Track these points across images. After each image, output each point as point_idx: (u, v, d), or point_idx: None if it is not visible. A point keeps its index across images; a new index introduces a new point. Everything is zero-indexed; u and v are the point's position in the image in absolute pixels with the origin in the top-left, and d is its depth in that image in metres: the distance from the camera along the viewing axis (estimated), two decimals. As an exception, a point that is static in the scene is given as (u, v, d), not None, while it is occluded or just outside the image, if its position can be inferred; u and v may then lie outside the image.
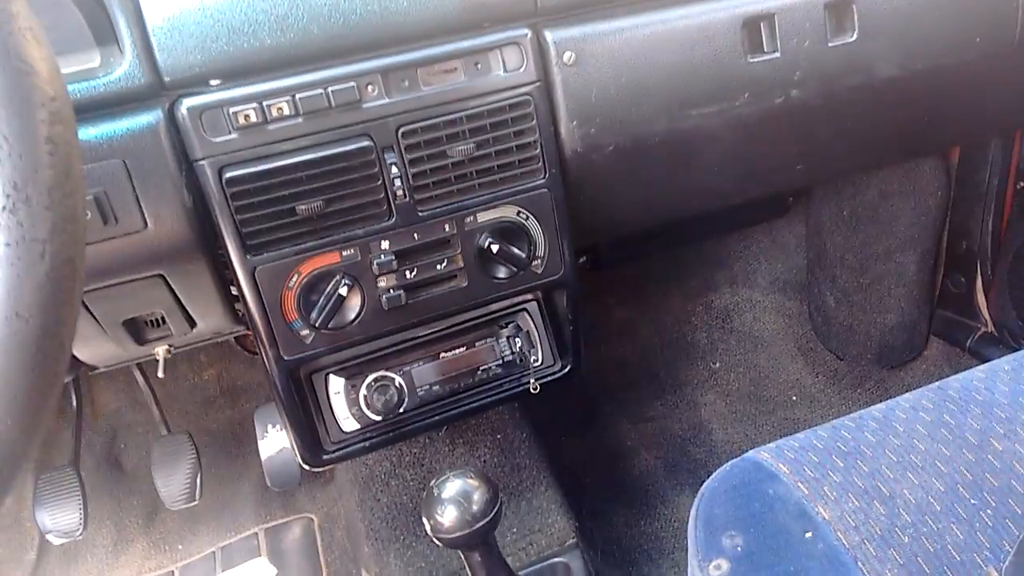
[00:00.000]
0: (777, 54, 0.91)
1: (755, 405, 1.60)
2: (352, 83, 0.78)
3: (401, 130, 0.80)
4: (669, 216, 1.13)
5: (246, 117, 0.75)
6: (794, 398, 1.60)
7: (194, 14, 0.73)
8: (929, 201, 1.44)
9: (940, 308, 1.56)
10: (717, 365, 1.66)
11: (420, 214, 0.84)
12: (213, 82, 0.76)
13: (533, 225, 0.90)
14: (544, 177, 0.88)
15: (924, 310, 1.56)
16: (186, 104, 0.74)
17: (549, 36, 0.84)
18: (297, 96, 0.76)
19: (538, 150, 0.86)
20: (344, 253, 0.83)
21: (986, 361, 1.38)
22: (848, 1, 0.91)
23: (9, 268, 0.39)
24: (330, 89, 0.77)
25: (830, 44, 0.92)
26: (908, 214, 1.46)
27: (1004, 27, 1.01)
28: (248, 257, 0.79)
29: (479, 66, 0.82)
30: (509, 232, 0.89)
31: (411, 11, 0.79)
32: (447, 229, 0.86)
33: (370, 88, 0.79)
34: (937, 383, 0.84)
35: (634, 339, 1.69)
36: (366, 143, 0.79)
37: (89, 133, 0.71)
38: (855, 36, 0.93)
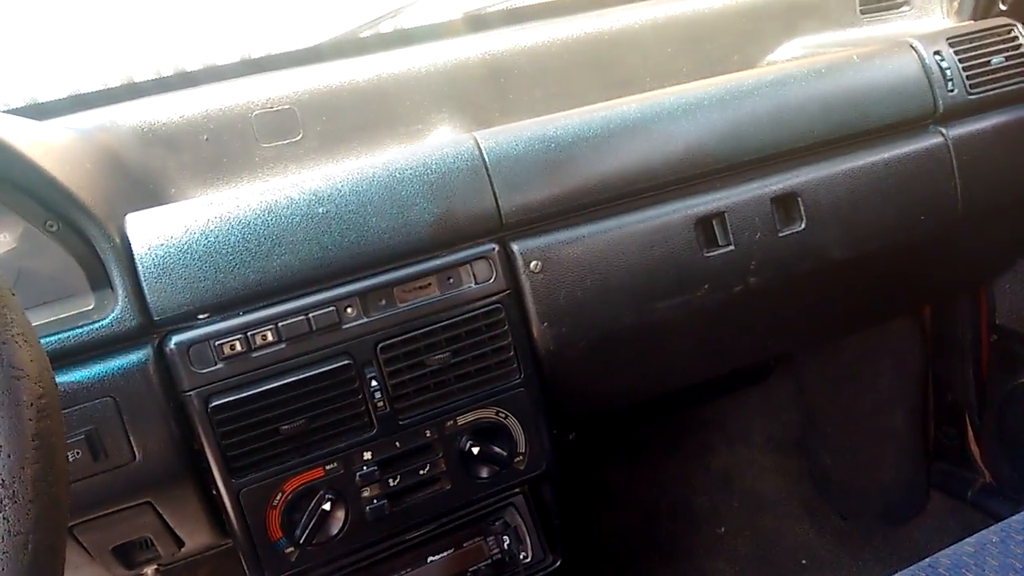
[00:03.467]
0: (731, 247, 0.97)
1: (765, 570, 1.56)
2: (332, 307, 0.83)
3: (380, 346, 0.85)
4: (648, 396, 1.16)
5: (231, 347, 0.80)
6: (804, 561, 1.56)
7: (182, 256, 0.80)
8: (907, 357, 1.47)
9: (937, 461, 1.55)
10: (722, 530, 1.63)
11: (401, 423, 0.87)
12: (201, 316, 0.81)
13: (513, 423, 0.92)
14: (520, 377, 0.91)
15: (920, 465, 1.55)
16: (175, 340, 0.79)
17: (515, 248, 0.90)
18: (280, 324, 0.81)
19: (512, 352, 0.90)
20: (327, 467, 0.85)
21: (989, 513, 1.36)
22: (793, 194, 0.98)
23: None
24: (311, 315, 0.82)
25: (780, 234, 0.98)
26: (889, 371, 1.48)
27: (945, 203, 1.07)
28: (233, 480, 0.81)
29: (451, 280, 0.88)
30: (489, 432, 0.91)
31: (385, 238, 0.85)
32: (428, 435, 0.89)
33: (349, 310, 0.84)
34: (928, 560, 0.84)
35: (635, 505, 1.67)
36: (346, 362, 0.83)
37: (81, 374, 0.76)
38: (804, 225, 0.99)
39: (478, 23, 1.19)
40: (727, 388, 1.65)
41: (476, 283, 0.88)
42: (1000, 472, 1.41)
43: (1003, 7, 1.16)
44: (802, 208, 0.99)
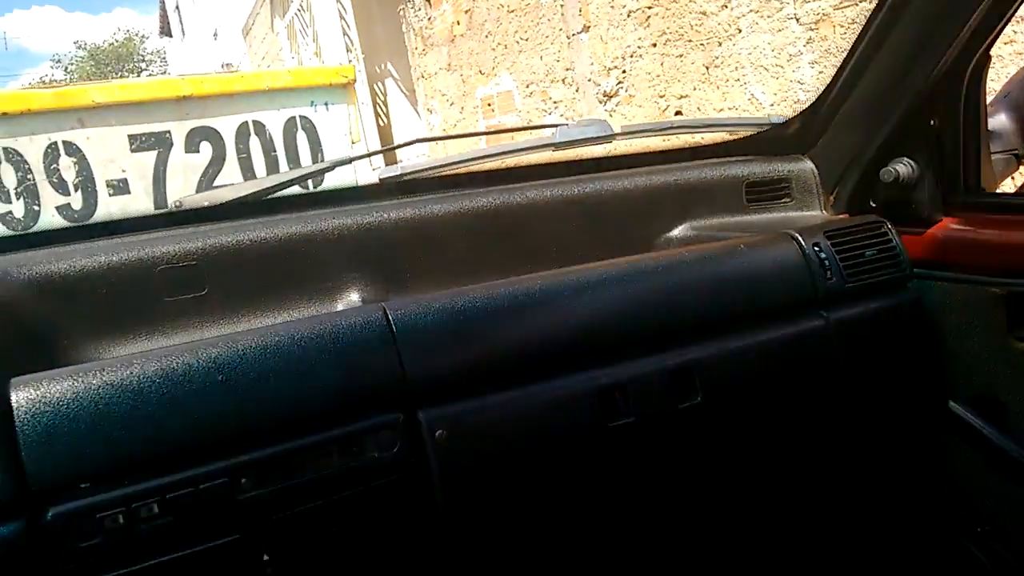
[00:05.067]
0: (632, 419, 0.99)
1: None
2: (224, 479, 0.79)
3: (275, 518, 0.81)
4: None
5: (113, 520, 0.75)
6: None
7: (68, 424, 0.76)
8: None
9: None
10: None
11: None
12: (83, 485, 0.76)
13: None
14: (422, 550, 0.89)
15: None
16: (51, 513, 0.73)
17: (421, 416, 0.90)
18: (168, 496, 0.77)
19: (414, 524, 0.88)
20: None
21: None
22: (689, 369, 1.03)
23: None
24: (202, 486, 0.78)
25: (680, 406, 1.02)
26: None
27: (832, 383, 1.15)
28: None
29: (355, 450, 0.86)
30: None
31: (287, 407, 0.84)
32: None
33: (243, 481, 0.81)
34: None
35: None
36: (235, 536, 0.79)
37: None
38: (700, 398, 1.03)
39: (392, 190, 1.24)
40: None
41: (379, 452, 0.87)
42: None
43: (873, 204, 1.30)
44: (698, 383, 1.03)
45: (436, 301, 0.95)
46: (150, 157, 3.15)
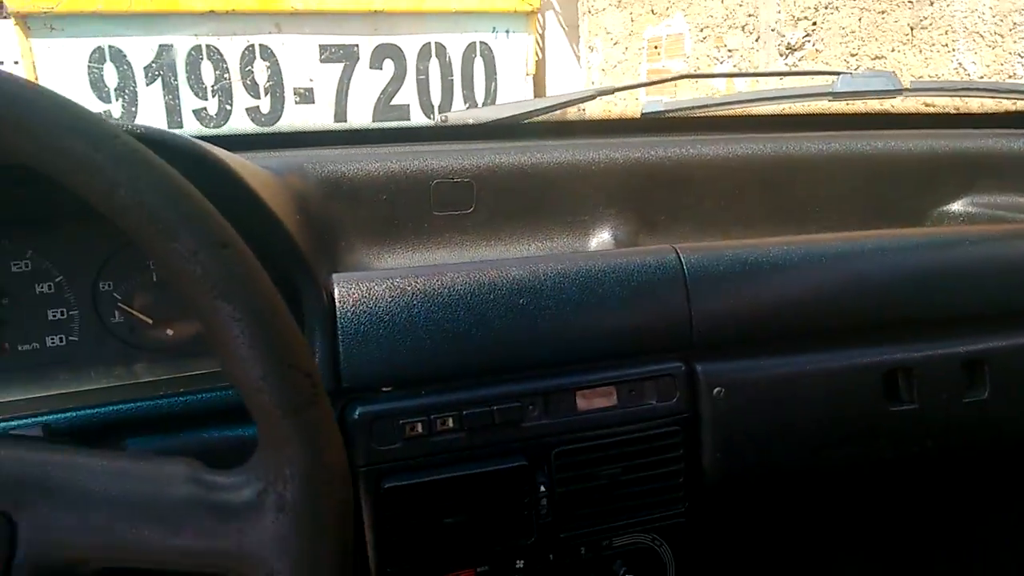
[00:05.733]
0: (915, 405, 0.92)
1: None
2: (518, 403, 0.79)
3: (555, 451, 0.80)
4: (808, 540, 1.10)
5: (413, 428, 0.76)
6: None
7: (384, 326, 0.76)
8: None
9: None
10: None
11: (560, 536, 0.82)
12: (385, 389, 0.77)
13: (666, 553, 0.87)
14: (683, 507, 0.86)
15: None
16: (359, 411, 0.75)
17: (700, 370, 0.86)
18: (464, 412, 0.77)
19: (681, 479, 0.85)
20: (478, 570, 0.80)
21: None
22: (981, 360, 0.94)
23: None
24: (496, 408, 0.78)
25: (964, 400, 0.94)
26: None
27: None
28: (388, 569, 0.76)
29: (633, 393, 0.84)
30: (642, 560, 0.86)
31: (578, 338, 0.82)
32: (583, 552, 0.83)
33: (531, 408, 0.80)
34: None
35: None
36: (522, 462, 0.79)
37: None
38: (987, 394, 0.95)
39: (655, 126, 1.18)
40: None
41: (658, 401, 0.84)
42: None
43: None
44: (987, 376, 0.95)
45: (727, 250, 0.90)
46: (336, 69, 3.22)
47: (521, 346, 0.80)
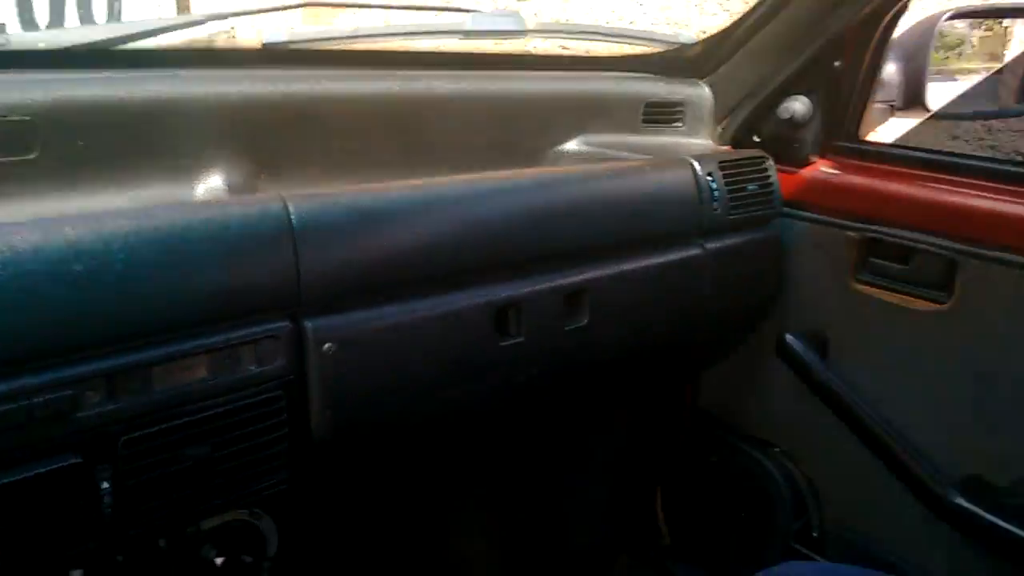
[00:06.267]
0: (522, 338, 0.97)
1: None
2: (70, 391, 0.67)
3: (123, 439, 0.70)
4: (425, 484, 1.12)
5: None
6: None
7: None
8: (624, 433, 1.59)
9: (627, 522, 1.68)
10: None
11: (129, 533, 0.73)
12: None
13: (267, 525, 0.83)
14: (286, 474, 0.82)
15: (615, 528, 1.66)
16: None
17: (309, 326, 0.82)
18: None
19: (285, 445, 0.81)
20: None
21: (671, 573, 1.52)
22: (583, 291, 1.02)
23: None
24: (35, 400, 0.66)
25: (566, 328, 1.01)
26: (603, 445, 1.58)
27: (701, 310, 1.19)
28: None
29: (228, 361, 0.77)
30: (239, 537, 0.81)
31: (157, 306, 0.72)
32: (162, 545, 0.76)
33: (90, 394, 0.69)
34: None
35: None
36: (74, 460, 0.68)
37: None
38: (587, 320, 1.03)
39: (278, 57, 1.09)
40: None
41: (258, 366, 0.78)
42: (679, 535, 1.59)
43: (756, 139, 1.33)
44: (587, 305, 1.03)
45: (341, 198, 0.85)
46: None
47: (75, 323, 0.68)
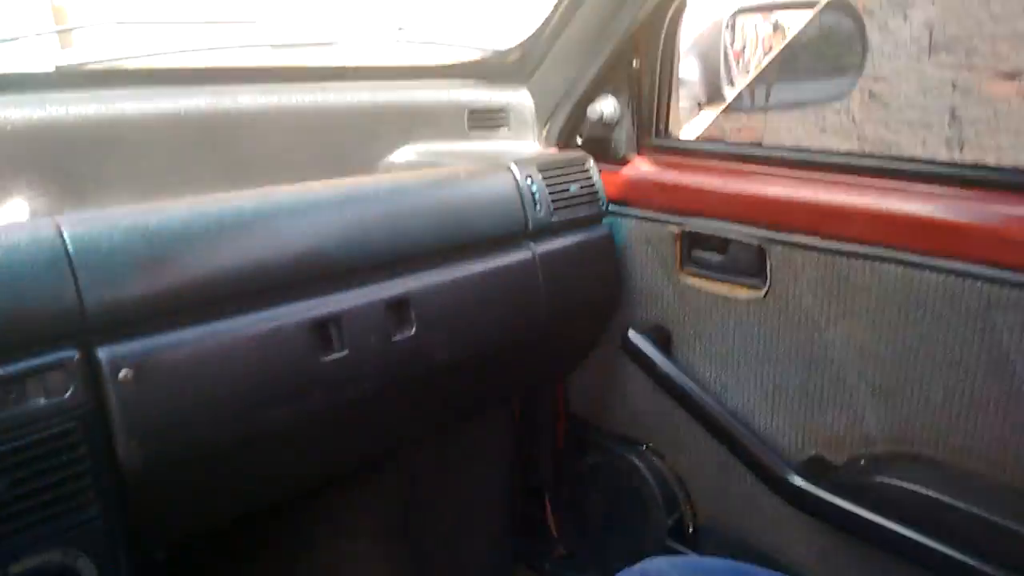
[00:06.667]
0: (346, 352, 0.97)
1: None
2: None
3: None
4: (254, 507, 1.09)
5: None
6: None
7: None
8: (500, 443, 1.60)
9: (522, 536, 1.70)
10: None
11: None
12: None
13: (85, 565, 0.79)
14: (97, 508, 0.79)
15: (507, 540, 1.68)
16: None
17: (102, 354, 0.79)
18: None
19: (88, 479, 0.78)
20: None
21: None
22: (406, 300, 1.03)
23: None
24: None
25: (393, 339, 1.02)
26: (484, 456, 1.60)
27: (534, 310, 1.22)
28: None
29: (14, 396, 0.74)
30: None
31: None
32: None
33: None
34: None
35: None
36: None
37: None
38: (414, 330, 1.04)
39: (72, 81, 1.05)
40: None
41: (47, 398, 0.75)
42: (572, 543, 1.62)
43: (579, 140, 1.38)
44: (412, 314, 1.04)
45: (124, 217, 0.83)
46: None
47: None
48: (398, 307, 1.02)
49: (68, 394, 0.76)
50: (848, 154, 1.15)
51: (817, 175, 1.13)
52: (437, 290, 1.07)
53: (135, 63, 1.11)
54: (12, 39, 1.05)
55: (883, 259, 1.04)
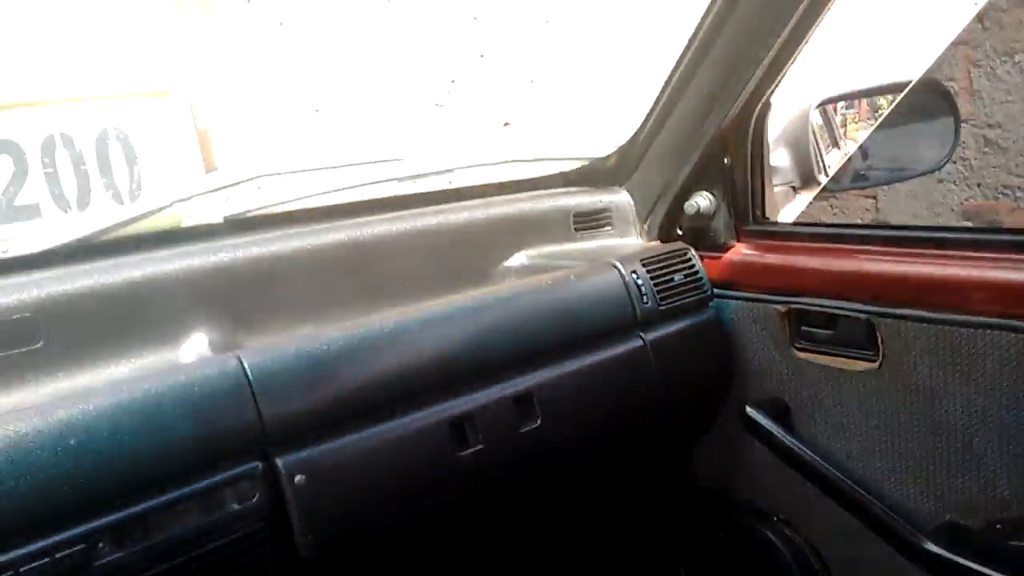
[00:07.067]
0: (481, 446, 1.08)
1: None
2: (81, 545, 0.79)
3: None
4: None
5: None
6: None
7: None
8: (631, 518, 1.65)
9: None
10: None
11: None
12: None
13: None
14: None
15: None
16: None
17: (280, 463, 0.93)
18: (22, 569, 0.76)
19: (274, 572, 0.91)
20: None
21: None
22: (530, 394, 1.13)
23: None
24: (58, 555, 0.77)
25: (521, 431, 1.12)
26: (614, 533, 1.65)
27: (651, 396, 1.29)
28: None
29: (213, 503, 0.88)
30: None
31: (143, 465, 0.84)
32: None
33: (101, 546, 0.80)
34: None
35: None
36: None
37: None
38: (539, 422, 1.13)
39: (236, 227, 1.24)
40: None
41: (239, 503, 0.89)
42: None
43: (680, 231, 1.47)
44: (537, 407, 1.14)
45: (290, 346, 0.98)
46: (-62, 175, 2.86)
47: (80, 485, 0.80)
48: (524, 402, 1.13)
49: (255, 499, 0.90)
50: (949, 228, 1.18)
51: (919, 249, 1.16)
52: (558, 383, 1.17)
53: (283, 207, 1.30)
54: (187, 198, 1.27)
55: (998, 327, 1.05)
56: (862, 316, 1.20)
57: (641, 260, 1.32)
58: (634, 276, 1.29)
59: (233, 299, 1.17)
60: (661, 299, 1.31)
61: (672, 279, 1.34)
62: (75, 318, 1.03)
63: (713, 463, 1.53)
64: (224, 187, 1.26)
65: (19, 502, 0.77)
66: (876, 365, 1.20)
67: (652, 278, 1.31)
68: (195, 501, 0.87)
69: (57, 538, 0.78)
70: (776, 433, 1.34)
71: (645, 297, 1.29)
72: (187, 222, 1.23)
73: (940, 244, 1.14)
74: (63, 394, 0.95)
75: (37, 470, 0.78)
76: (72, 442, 0.81)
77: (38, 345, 1.00)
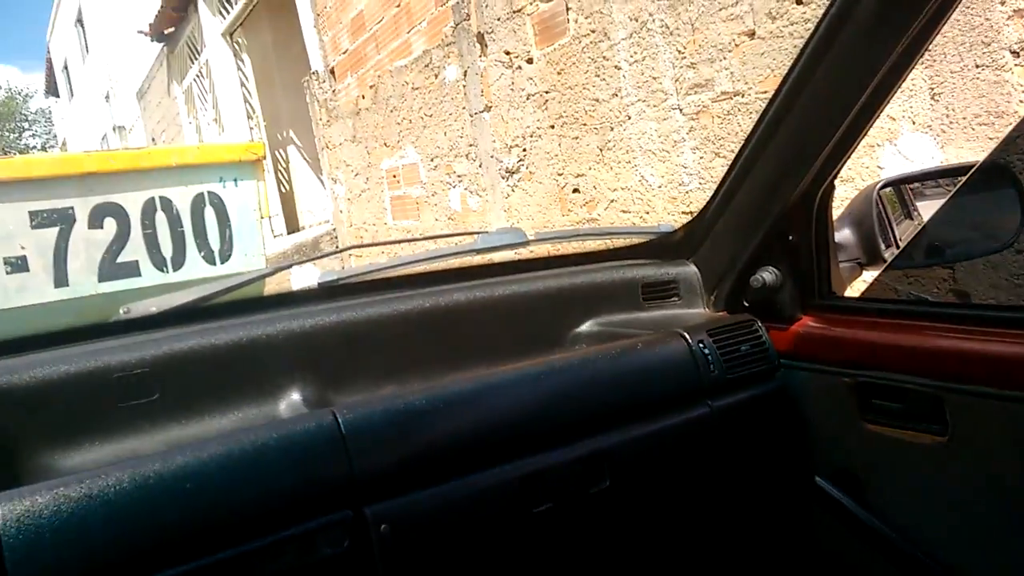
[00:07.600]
0: (551, 504, 1.13)
1: None
2: None
3: None
4: None
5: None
6: None
7: (50, 537, 0.83)
8: None
9: None
10: None
11: None
12: None
13: None
14: None
15: None
16: None
17: (368, 512, 1.01)
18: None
19: None
20: None
21: None
22: (600, 456, 1.18)
23: None
24: None
25: (590, 492, 1.17)
26: None
27: (718, 462, 1.33)
28: None
29: (307, 548, 0.96)
30: None
31: (248, 510, 0.93)
32: None
33: None
34: None
35: None
36: None
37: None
38: (608, 483, 1.18)
39: (329, 293, 1.36)
40: None
41: (331, 548, 0.97)
42: None
43: (746, 304, 1.51)
44: (606, 469, 1.19)
45: (380, 404, 1.07)
46: (51, 234, 3.12)
47: (192, 526, 0.90)
48: (593, 463, 1.18)
49: (346, 545, 0.98)
50: (1019, 308, 1.19)
51: (988, 328, 1.17)
52: (627, 447, 1.22)
53: (371, 276, 1.41)
54: (286, 267, 1.39)
55: None
56: (930, 391, 1.21)
57: (708, 330, 1.37)
58: (701, 345, 1.34)
59: (325, 361, 1.27)
60: (728, 368, 1.35)
61: (739, 349, 1.38)
62: (187, 374, 1.15)
63: (778, 533, 1.54)
64: (319, 258, 1.37)
65: (137, 541, 0.86)
66: (945, 439, 1.21)
67: (719, 347, 1.36)
68: (292, 544, 0.95)
69: (172, 572, 0.87)
70: (846, 504, 1.35)
71: (712, 366, 1.34)
72: (285, 287, 1.34)
73: (1010, 323, 1.16)
74: (176, 443, 1.06)
75: (156, 511, 0.88)
76: (188, 486, 0.90)
77: (155, 397, 1.13)
